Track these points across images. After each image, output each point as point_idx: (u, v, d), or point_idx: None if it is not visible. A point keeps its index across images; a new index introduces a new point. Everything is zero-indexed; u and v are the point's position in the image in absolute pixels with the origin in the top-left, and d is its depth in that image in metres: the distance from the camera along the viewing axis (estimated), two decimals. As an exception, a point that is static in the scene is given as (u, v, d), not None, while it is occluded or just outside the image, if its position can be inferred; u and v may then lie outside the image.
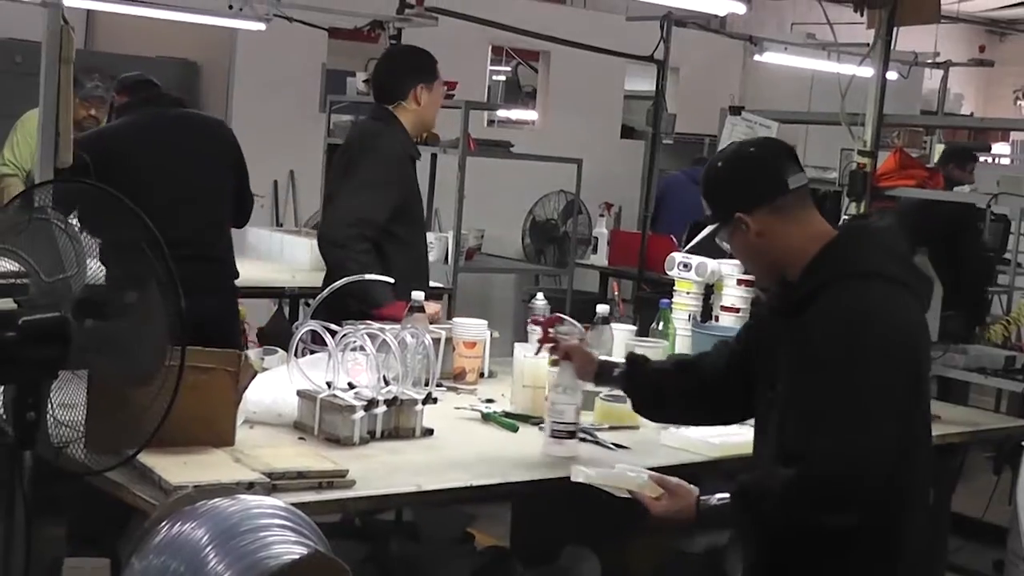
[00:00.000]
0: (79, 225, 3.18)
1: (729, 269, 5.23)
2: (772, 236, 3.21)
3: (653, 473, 3.32)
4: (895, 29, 6.17)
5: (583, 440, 4.02)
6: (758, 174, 3.26)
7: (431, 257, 7.88)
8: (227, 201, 5.64)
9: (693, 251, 4.70)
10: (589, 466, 3.45)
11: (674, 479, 3.26)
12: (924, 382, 3.14)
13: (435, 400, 3.98)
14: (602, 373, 3.83)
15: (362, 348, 3.88)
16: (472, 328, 4.73)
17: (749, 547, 3.25)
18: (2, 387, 3.14)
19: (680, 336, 5.05)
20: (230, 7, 7.82)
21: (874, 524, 3.00)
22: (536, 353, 4.14)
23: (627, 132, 12.54)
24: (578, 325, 4.73)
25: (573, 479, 3.38)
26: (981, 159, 12.80)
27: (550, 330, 4.06)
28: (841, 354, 3.00)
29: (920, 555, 3.20)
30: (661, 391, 3.71)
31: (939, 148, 11.85)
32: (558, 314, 4.84)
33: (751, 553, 3.25)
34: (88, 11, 10.16)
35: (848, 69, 6.42)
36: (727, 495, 3.13)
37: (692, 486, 3.23)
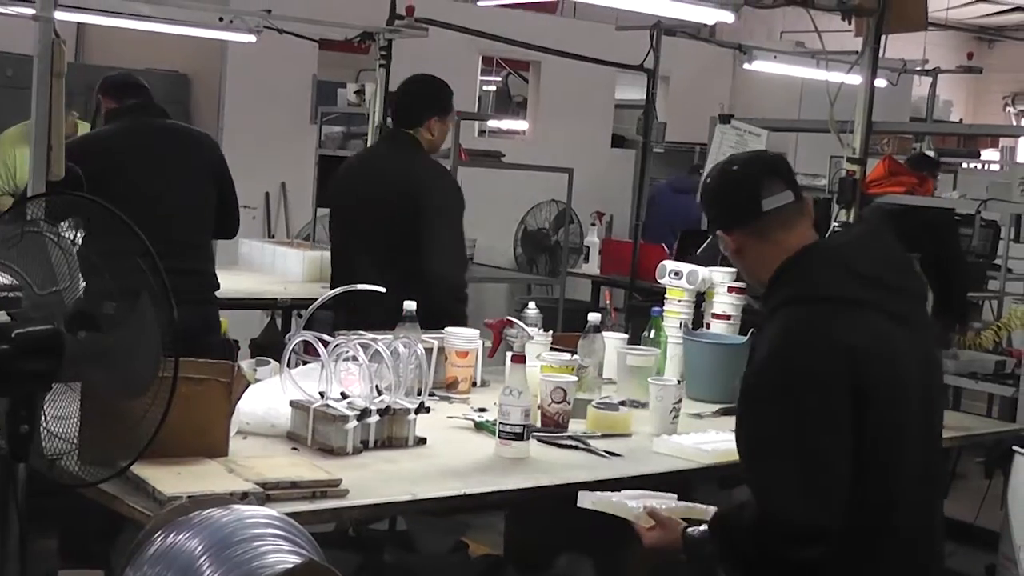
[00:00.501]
0: (81, 236, 3.20)
1: (720, 277, 5.24)
2: (749, 254, 3.31)
3: (648, 503, 3.38)
4: (884, 37, 6.19)
5: (576, 448, 4.04)
6: (735, 197, 3.34)
7: (424, 268, 7.92)
8: (210, 214, 5.67)
9: (690, 260, 4.74)
10: (595, 493, 3.52)
11: (665, 512, 3.34)
12: (877, 399, 3.04)
13: (428, 409, 3.99)
14: None
15: (354, 358, 3.89)
16: (464, 338, 4.74)
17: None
18: (-4, 400, 3.16)
19: (671, 344, 5.07)
20: (220, 19, 7.83)
21: (843, 551, 3.00)
22: None
23: (618, 141, 12.56)
24: (526, 328, 4.79)
25: (579, 504, 3.47)
26: (971, 165, 12.87)
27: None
28: (769, 387, 3.05)
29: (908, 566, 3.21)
30: None
31: (929, 155, 11.86)
32: (508, 317, 4.89)
33: None
34: (79, 24, 10.16)
35: (837, 77, 6.44)
36: (707, 527, 3.22)
37: (698, 502, 3.30)
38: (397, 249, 5.34)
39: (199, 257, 5.60)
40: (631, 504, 3.42)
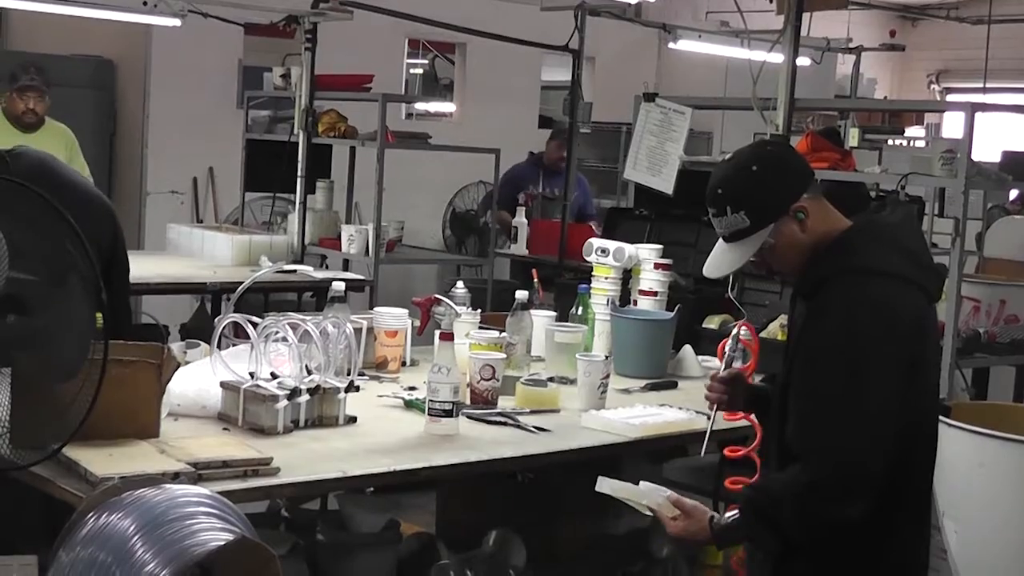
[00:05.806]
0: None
1: (646, 253, 5.30)
2: (816, 218, 3.22)
3: (672, 494, 3.29)
4: (810, 16, 6.26)
5: (505, 424, 4.08)
6: (795, 162, 3.31)
7: (352, 250, 7.94)
8: None
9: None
10: (615, 480, 3.37)
11: (690, 501, 3.26)
12: (924, 371, 3.20)
13: (357, 388, 4.02)
14: (754, 396, 3.60)
15: (284, 339, 3.91)
16: (393, 318, 4.77)
17: (765, 556, 3.28)
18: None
19: (599, 320, 5.12)
20: (144, 3, 7.80)
21: (878, 511, 3.04)
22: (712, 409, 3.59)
23: (545, 122, 12.60)
24: (454, 306, 4.83)
25: (597, 489, 3.32)
26: (896, 143, 13.01)
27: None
28: (836, 351, 3.06)
29: (918, 539, 3.27)
30: None
31: (853, 132, 11.99)
32: (436, 295, 4.94)
33: (766, 559, 3.28)
34: (1, 9, 10.08)
35: (759, 56, 6.51)
36: (737, 511, 3.16)
37: (705, 507, 3.26)
38: None
39: None
40: (653, 492, 3.29)
